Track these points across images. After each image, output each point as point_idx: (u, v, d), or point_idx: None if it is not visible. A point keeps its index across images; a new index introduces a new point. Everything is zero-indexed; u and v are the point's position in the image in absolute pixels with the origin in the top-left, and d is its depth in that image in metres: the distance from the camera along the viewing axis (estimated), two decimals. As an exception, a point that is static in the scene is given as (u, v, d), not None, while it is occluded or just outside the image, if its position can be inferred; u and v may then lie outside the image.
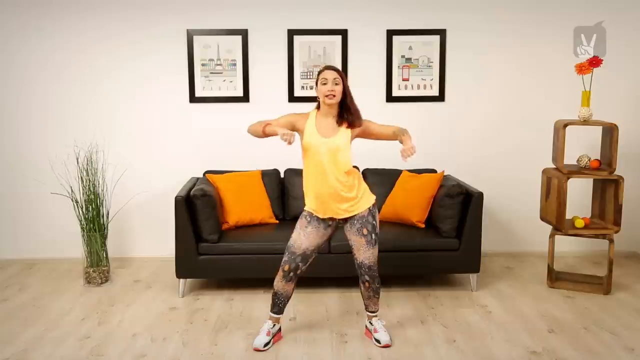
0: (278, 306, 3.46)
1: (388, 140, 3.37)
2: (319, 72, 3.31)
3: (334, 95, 3.25)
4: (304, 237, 3.35)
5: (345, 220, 3.37)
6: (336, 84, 3.25)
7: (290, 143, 3.12)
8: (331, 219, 3.36)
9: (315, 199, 3.33)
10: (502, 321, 3.77)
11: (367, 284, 3.39)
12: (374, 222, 3.36)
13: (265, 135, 3.26)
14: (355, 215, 3.34)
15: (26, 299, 4.18)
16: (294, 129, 3.35)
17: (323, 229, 3.38)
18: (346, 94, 3.29)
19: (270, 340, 3.43)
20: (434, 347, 3.41)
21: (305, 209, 3.41)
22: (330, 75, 3.25)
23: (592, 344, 3.44)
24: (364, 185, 3.41)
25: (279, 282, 3.40)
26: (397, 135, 3.24)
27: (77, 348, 3.41)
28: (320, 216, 3.35)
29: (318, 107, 3.38)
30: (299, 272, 3.38)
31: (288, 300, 3.48)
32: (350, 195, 3.31)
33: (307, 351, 3.38)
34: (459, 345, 3.44)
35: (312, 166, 3.30)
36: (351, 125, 3.30)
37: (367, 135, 3.39)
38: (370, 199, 3.39)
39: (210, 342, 3.49)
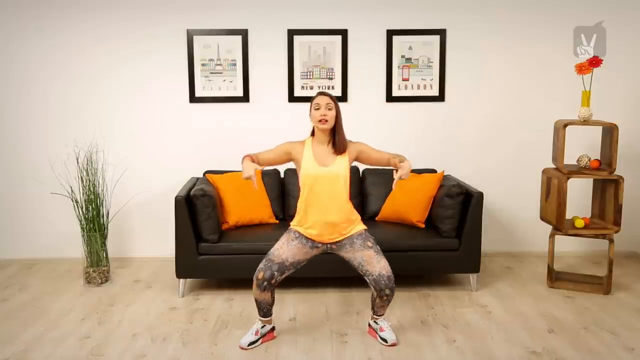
0: (263, 311, 3.45)
1: (381, 166, 3.42)
2: (313, 98, 3.32)
3: (327, 120, 3.26)
4: (286, 249, 3.33)
5: (340, 244, 3.36)
6: (329, 109, 3.26)
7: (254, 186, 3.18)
8: (322, 242, 3.36)
9: (315, 227, 3.32)
10: (502, 321, 3.77)
11: (385, 297, 3.33)
12: (373, 238, 3.40)
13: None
14: (352, 235, 3.35)
15: (26, 299, 4.18)
16: (290, 158, 3.38)
17: (309, 247, 3.36)
18: (337, 119, 3.30)
19: (257, 340, 3.43)
20: (434, 347, 3.41)
21: (293, 227, 3.39)
22: (323, 100, 3.27)
23: (592, 344, 3.44)
24: (356, 215, 3.44)
25: (255, 291, 3.35)
26: (394, 159, 3.30)
27: (77, 348, 3.41)
28: (317, 239, 3.34)
29: (312, 134, 3.39)
30: (273, 281, 3.31)
31: (271, 306, 3.46)
32: (346, 222, 3.35)
33: (307, 351, 3.38)
34: (459, 345, 3.44)
35: (312, 195, 3.29)
36: (339, 152, 3.31)
37: (362, 159, 3.41)
38: (362, 224, 3.43)
39: (210, 342, 3.49)
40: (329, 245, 3.38)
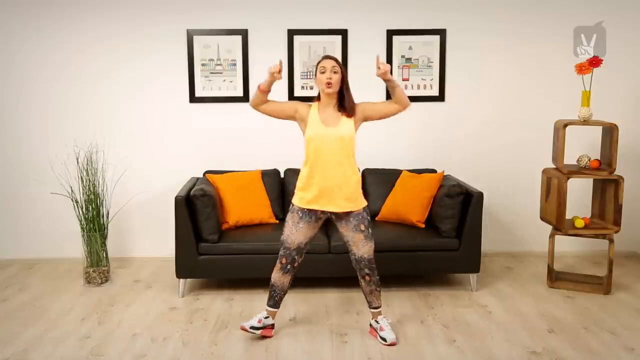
0: (274, 299, 3.50)
1: (393, 113, 3.41)
2: (318, 62, 3.34)
3: (331, 84, 3.27)
4: (296, 233, 3.40)
5: (339, 216, 3.39)
6: (334, 72, 3.28)
7: (279, 73, 3.23)
8: (323, 212, 3.38)
9: (318, 190, 3.33)
10: (502, 321, 3.77)
11: (367, 277, 3.43)
12: (369, 217, 3.44)
13: (262, 92, 3.29)
14: (351, 212, 3.37)
15: (26, 299, 4.18)
16: (296, 114, 3.40)
17: (314, 221, 3.41)
18: (344, 82, 3.32)
19: (259, 328, 3.47)
20: (434, 347, 3.41)
21: (295, 204, 3.42)
22: (328, 64, 3.28)
23: (592, 344, 3.44)
24: (360, 182, 3.46)
25: (276, 274, 3.47)
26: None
27: (77, 348, 3.41)
28: (319, 209, 3.36)
29: (318, 99, 3.41)
30: (295, 264, 3.46)
31: (284, 294, 3.52)
32: (352, 184, 3.36)
33: (307, 351, 3.38)
34: (459, 345, 3.44)
35: (318, 157, 3.31)
36: (349, 114, 3.33)
37: (370, 116, 3.41)
38: (364, 200, 3.46)
39: (210, 342, 3.49)
40: (329, 214, 3.41)
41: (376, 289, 3.49)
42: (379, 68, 3.24)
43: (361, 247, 3.39)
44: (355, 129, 3.35)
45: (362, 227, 3.38)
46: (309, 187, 3.36)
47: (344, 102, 3.34)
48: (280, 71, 3.26)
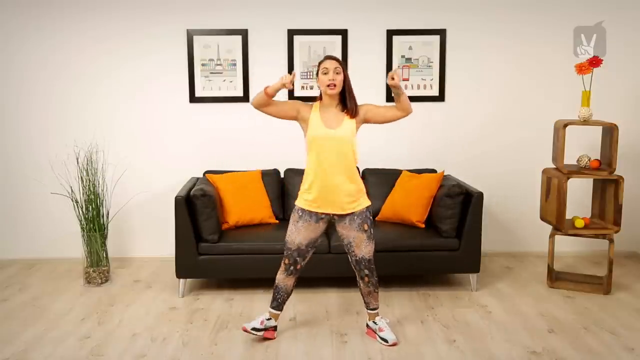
0: (277, 301, 3.49)
1: (394, 118, 3.36)
2: (320, 62, 3.33)
3: (335, 85, 3.27)
4: (296, 232, 3.39)
5: (342, 217, 3.38)
6: (337, 74, 3.27)
7: (291, 83, 3.20)
8: (325, 213, 3.36)
9: (319, 193, 3.32)
10: (502, 321, 3.77)
11: (366, 278, 3.43)
12: (372, 218, 3.43)
13: (268, 96, 3.26)
14: (355, 212, 3.36)
15: (26, 299, 4.18)
16: (298, 115, 3.38)
17: (314, 222, 3.38)
18: (346, 83, 3.31)
19: (260, 330, 3.46)
20: (434, 347, 3.42)
21: (297, 204, 3.42)
22: (331, 65, 3.27)
23: (592, 344, 3.44)
24: (362, 184, 3.46)
25: (280, 275, 3.46)
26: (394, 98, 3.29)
27: (77, 348, 3.41)
28: (319, 211, 3.35)
29: (320, 99, 3.40)
30: (298, 267, 3.43)
31: (287, 297, 3.51)
32: (353, 187, 3.35)
33: (307, 351, 3.38)
34: (459, 345, 3.44)
35: (319, 158, 3.30)
36: (352, 115, 3.32)
37: (371, 117, 3.37)
38: (367, 199, 3.45)
39: (210, 342, 3.49)
40: (332, 215, 3.39)
41: (374, 290, 3.48)
42: (393, 78, 3.16)
43: (363, 247, 3.38)
44: (356, 129, 3.35)
45: (366, 227, 3.37)
46: (310, 189, 3.35)
47: (346, 102, 3.33)
48: (292, 82, 3.24)
